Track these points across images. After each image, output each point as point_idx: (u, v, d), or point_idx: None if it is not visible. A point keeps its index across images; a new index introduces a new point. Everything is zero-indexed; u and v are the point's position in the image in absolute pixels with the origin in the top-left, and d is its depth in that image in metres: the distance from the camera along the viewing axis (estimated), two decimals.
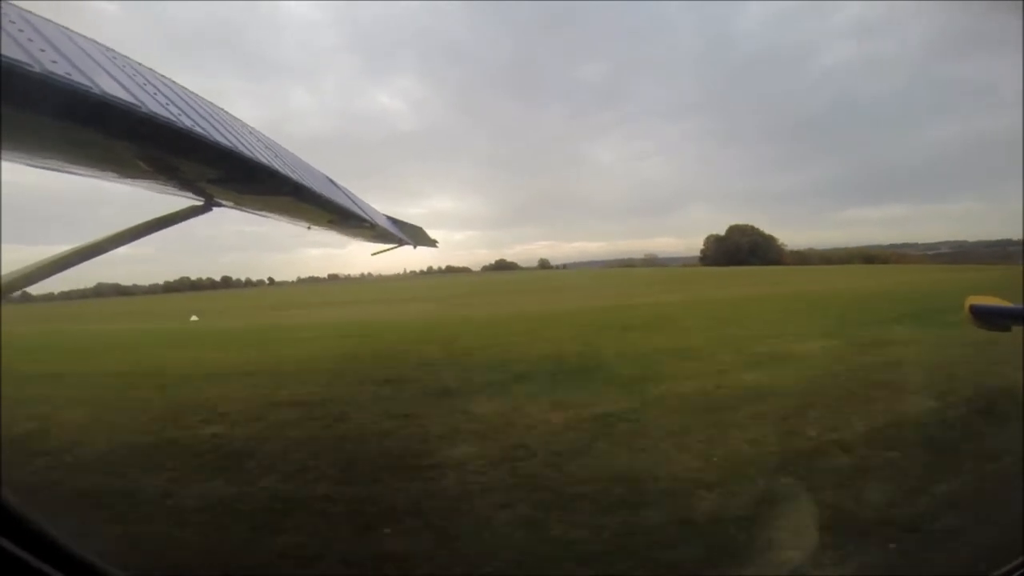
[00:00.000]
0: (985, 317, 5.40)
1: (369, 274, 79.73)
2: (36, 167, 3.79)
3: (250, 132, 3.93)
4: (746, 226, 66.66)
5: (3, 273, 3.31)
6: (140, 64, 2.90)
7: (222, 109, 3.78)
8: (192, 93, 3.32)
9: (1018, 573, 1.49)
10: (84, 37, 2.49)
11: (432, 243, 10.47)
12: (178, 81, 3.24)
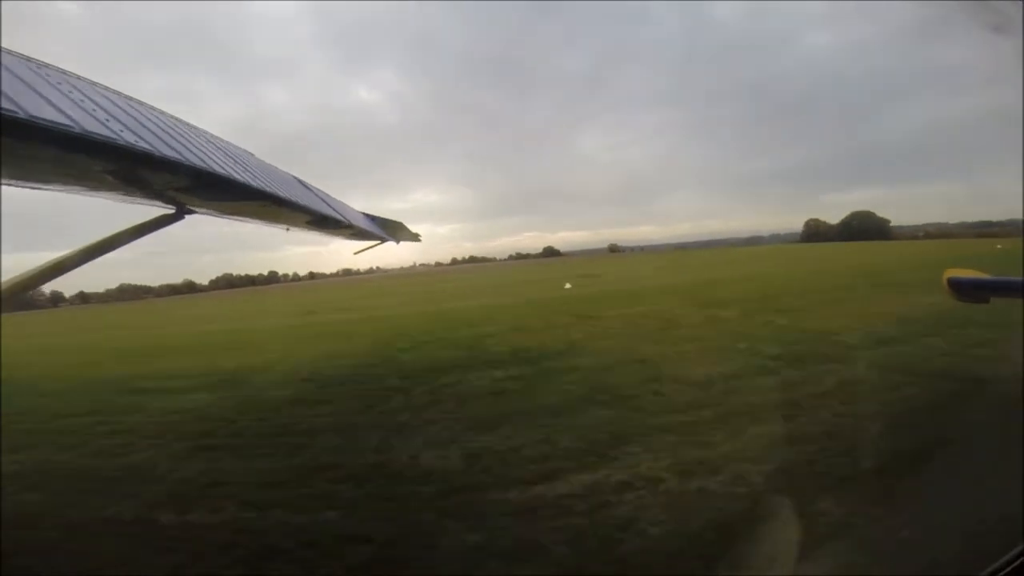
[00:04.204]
0: (963, 290, 5.32)
1: (379, 268, 78.92)
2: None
3: (208, 141, 3.85)
4: (865, 212, 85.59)
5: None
6: (80, 78, 2.83)
7: (178, 119, 3.70)
8: (141, 105, 3.25)
9: (1015, 565, 1.43)
10: (11, 54, 2.42)
11: (415, 237, 10.39)
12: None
